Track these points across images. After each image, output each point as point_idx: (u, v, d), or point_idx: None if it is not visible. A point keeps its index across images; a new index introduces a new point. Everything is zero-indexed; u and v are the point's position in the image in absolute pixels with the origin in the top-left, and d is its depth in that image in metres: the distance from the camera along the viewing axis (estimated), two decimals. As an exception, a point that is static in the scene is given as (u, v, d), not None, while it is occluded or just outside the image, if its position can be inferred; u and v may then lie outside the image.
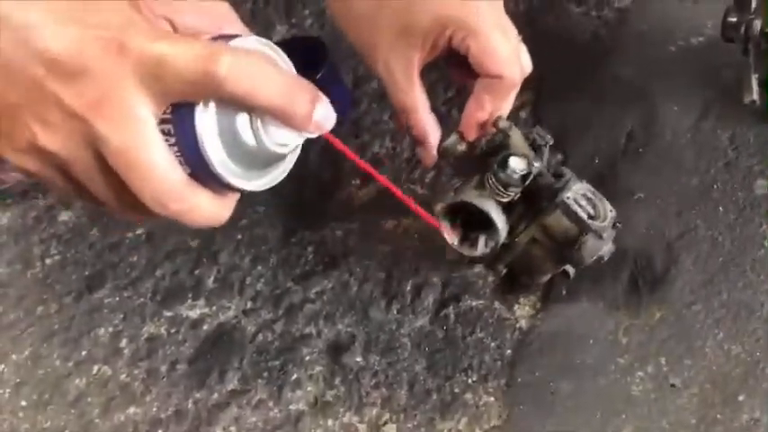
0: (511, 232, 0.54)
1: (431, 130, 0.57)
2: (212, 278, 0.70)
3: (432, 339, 0.62)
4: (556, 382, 0.57)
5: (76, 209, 0.77)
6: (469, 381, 0.59)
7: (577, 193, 0.53)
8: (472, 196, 0.53)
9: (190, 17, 0.40)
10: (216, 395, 0.63)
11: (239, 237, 0.71)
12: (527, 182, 0.52)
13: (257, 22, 0.83)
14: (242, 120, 0.37)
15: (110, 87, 0.34)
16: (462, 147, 0.55)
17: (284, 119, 0.36)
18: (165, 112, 0.35)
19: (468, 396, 0.58)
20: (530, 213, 0.54)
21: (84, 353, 0.67)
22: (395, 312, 0.64)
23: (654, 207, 0.59)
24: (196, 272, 0.70)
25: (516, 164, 0.51)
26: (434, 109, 0.74)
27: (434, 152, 0.57)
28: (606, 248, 0.53)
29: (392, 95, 0.57)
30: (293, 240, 0.70)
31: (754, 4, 0.61)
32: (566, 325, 0.60)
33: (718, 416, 0.53)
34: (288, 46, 0.41)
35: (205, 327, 0.67)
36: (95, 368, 0.66)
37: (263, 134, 0.37)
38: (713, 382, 0.54)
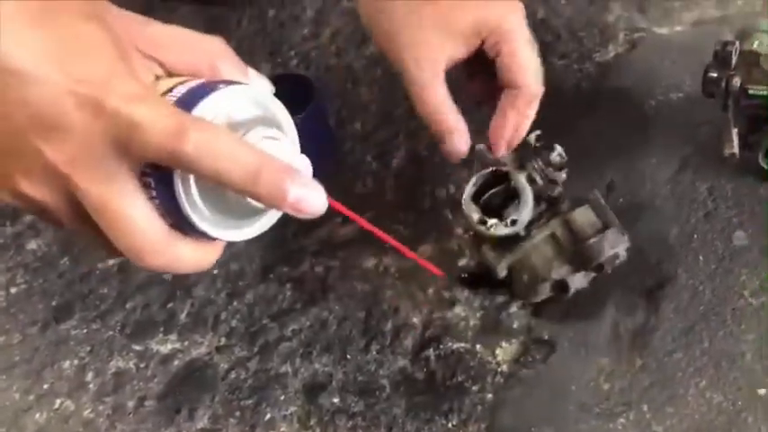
0: (528, 226, 0.57)
1: (456, 125, 0.58)
2: (185, 312, 0.68)
3: (411, 381, 0.61)
4: (537, 428, 0.56)
5: (46, 237, 0.74)
6: (449, 425, 0.58)
7: None
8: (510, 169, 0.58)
9: (181, 56, 0.39)
10: (185, 433, 0.60)
11: (215, 271, 0.69)
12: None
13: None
14: None
15: (85, 145, 0.34)
16: (491, 157, 0.59)
17: (254, 199, 0.36)
18: (146, 165, 0.35)
19: (448, 440, 0.57)
20: (552, 210, 0.58)
21: (46, 386, 0.65)
22: (374, 353, 0.63)
23: (635, 256, 0.59)
24: (169, 305, 0.68)
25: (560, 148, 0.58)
26: (415, 154, 0.75)
27: (462, 147, 0.58)
28: (623, 246, 0.57)
29: (419, 93, 0.57)
30: (271, 276, 0.68)
31: (733, 61, 0.63)
32: (547, 370, 0.59)
33: (701, 466, 0.53)
34: (274, 82, 0.41)
35: (176, 362, 0.65)
36: (57, 402, 0.64)
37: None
38: (696, 430, 0.54)
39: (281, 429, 0.60)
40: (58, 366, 0.66)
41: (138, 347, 0.66)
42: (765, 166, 0.64)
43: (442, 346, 0.62)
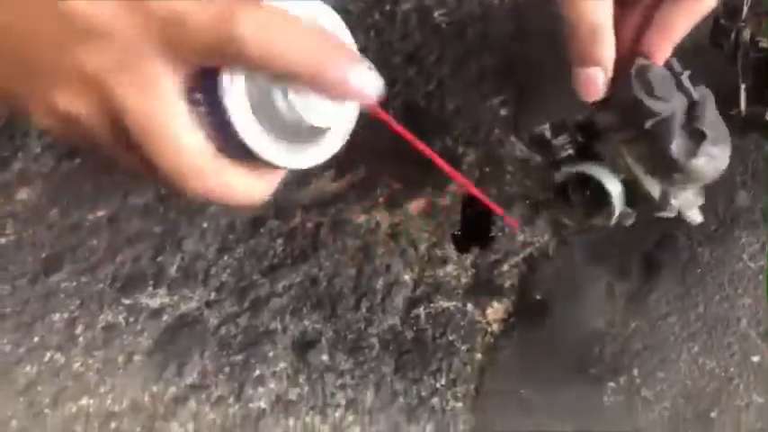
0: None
1: (613, 50, 0.48)
2: (175, 266, 0.67)
3: (401, 340, 0.60)
4: (526, 390, 0.55)
5: (36, 186, 0.73)
6: (438, 385, 0.57)
7: None
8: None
9: None
10: (173, 389, 0.60)
11: (205, 225, 0.68)
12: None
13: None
14: (277, 88, 0.33)
15: (126, 48, 0.31)
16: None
17: (315, 87, 0.32)
18: (196, 79, 0.32)
19: (436, 401, 0.57)
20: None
21: (36, 339, 0.64)
22: (364, 311, 0.62)
23: (633, 214, 0.58)
24: (158, 259, 0.67)
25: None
26: (413, 104, 0.72)
27: (608, 80, 0.49)
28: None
29: (580, 4, 0.47)
30: (262, 231, 0.67)
31: (744, 12, 0.59)
32: (539, 332, 0.58)
33: None
34: None
35: (165, 317, 0.64)
36: (48, 355, 0.63)
37: (301, 105, 0.33)
38: (686, 396, 0.53)
39: (270, 386, 0.59)
40: (48, 319, 0.65)
41: (127, 301, 0.65)
42: (773, 123, 0.62)
43: (432, 305, 0.61)
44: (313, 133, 0.35)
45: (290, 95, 0.33)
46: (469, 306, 0.61)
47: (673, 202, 0.51)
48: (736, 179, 0.62)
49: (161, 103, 0.32)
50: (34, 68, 0.33)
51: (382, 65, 0.75)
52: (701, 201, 0.54)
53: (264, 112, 0.33)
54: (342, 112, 0.35)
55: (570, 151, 0.53)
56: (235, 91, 0.32)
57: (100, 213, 0.71)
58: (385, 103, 0.73)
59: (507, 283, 0.61)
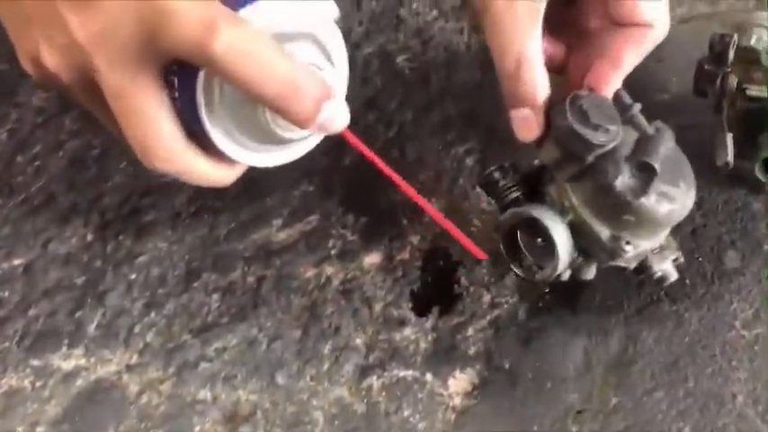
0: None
1: (543, 87, 0.47)
2: (95, 323, 0.59)
3: (349, 414, 0.53)
4: (492, 477, 0.48)
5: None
6: (390, 469, 0.50)
7: None
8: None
9: None
10: (79, 469, 0.51)
11: (133, 276, 0.61)
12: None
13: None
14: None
15: (113, 23, 0.33)
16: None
17: (281, 115, 0.35)
18: (175, 63, 0.34)
19: (387, 488, 0.49)
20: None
21: (-75, 406, 0.55)
22: (308, 379, 0.55)
23: (612, 275, 0.52)
24: (77, 314, 0.59)
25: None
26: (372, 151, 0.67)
27: (541, 119, 0.47)
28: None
29: (503, 40, 0.46)
30: (196, 285, 0.60)
31: (730, 58, 0.55)
32: (507, 407, 0.52)
33: None
34: None
35: (79, 381, 0.56)
36: (-65, 426, 0.54)
37: (269, 115, 0.35)
38: (677, 486, 0.46)
39: (194, 467, 0.51)
40: (-59, 382, 0.57)
41: (36, 362, 0.57)
42: (763, 179, 0.57)
43: (386, 374, 0.54)
44: (276, 140, 0.37)
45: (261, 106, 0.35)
46: (429, 376, 0.54)
47: (628, 248, 0.46)
48: (725, 238, 0.57)
49: (138, 83, 0.34)
50: (30, 18, 0.35)
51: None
52: (674, 254, 0.50)
53: (235, 109, 0.35)
54: (302, 132, 0.37)
55: (518, 193, 0.51)
56: (210, 83, 0.34)
57: (16, 262, 0.63)
58: (343, 149, 0.67)
59: (472, 350, 0.55)
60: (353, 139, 0.39)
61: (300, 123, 0.35)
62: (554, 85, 0.49)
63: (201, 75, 0.34)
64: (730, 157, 0.55)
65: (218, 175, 0.38)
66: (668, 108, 0.67)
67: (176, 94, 0.35)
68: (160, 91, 0.35)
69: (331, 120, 0.35)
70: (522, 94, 0.46)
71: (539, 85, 0.46)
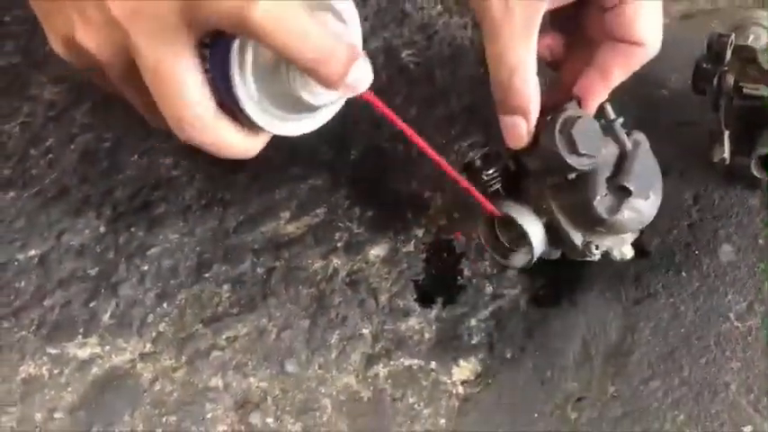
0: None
1: (534, 99, 0.48)
2: (109, 313, 0.60)
3: (356, 402, 0.54)
4: (494, 461, 0.50)
5: (-41, 222, 0.67)
6: (396, 453, 0.51)
7: None
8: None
9: None
10: (96, 454, 0.53)
11: (146, 268, 0.62)
12: None
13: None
14: (280, 62, 0.36)
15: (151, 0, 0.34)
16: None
17: (314, 77, 0.36)
18: (209, 36, 0.35)
19: (393, 472, 0.51)
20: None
21: (-55, 392, 0.57)
22: (316, 367, 0.56)
23: (611, 268, 0.53)
24: (91, 304, 0.61)
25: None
26: (377, 146, 0.68)
27: (531, 128, 0.49)
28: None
29: (499, 49, 0.47)
30: (207, 276, 0.61)
31: (727, 57, 0.57)
32: (509, 395, 0.53)
33: None
34: None
35: (94, 369, 0.58)
36: (-44, 412, 0.56)
37: (299, 82, 0.37)
38: (671, 471, 0.48)
39: (207, 451, 0.53)
40: (-40, 370, 0.58)
41: (53, 351, 0.59)
42: (758, 175, 0.58)
43: (392, 362, 0.56)
44: (303, 107, 0.38)
45: (291, 71, 0.37)
46: (433, 364, 0.55)
47: (597, 252, 0.51)
48: (720, 232, 0.59)
49: (174, 55, 0.35)
50: None
51: (345, 103, 0.71)
52: (632, 238, 0.53)
53: (266, 79, 0.36)
54: (330, 95, 0.38)
55: (498, 186, 0.53)
56: (242, 55, 0.35)
57: (31, 253, 0.64)
58: (349, 143, 0.69)
59: (475, 340, 0.56)
60: (374, 100, 0.40)
61: (332, 84, 0.36)
62: (548, 82, 0.51)
63: (235, 46, 0.35)
64: (726, 154, 0.56)
65: (245, 146, 0.39)
66: (667, 104, 0.68)
67: (208, 66, 0.36)
68: (196, 63, 0.35)
69: (359, 80, 0.37)
70: (514, 104, 0.48)
71: (530, 96, 0.47)
